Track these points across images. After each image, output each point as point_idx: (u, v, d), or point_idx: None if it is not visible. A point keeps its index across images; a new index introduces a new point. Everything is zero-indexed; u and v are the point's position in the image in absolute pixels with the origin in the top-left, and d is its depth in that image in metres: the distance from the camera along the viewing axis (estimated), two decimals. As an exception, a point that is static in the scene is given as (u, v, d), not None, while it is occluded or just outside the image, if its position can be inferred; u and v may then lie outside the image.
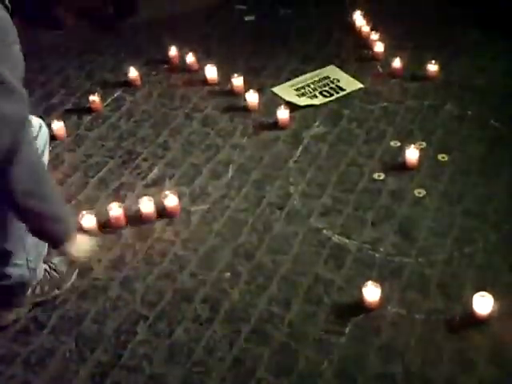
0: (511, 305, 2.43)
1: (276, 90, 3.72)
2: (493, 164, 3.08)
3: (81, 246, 2.21)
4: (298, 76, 3.83)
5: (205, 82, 3.78)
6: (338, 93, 3.65)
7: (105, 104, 3.67)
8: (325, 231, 2.80)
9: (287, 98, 3.62)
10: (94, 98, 3.61)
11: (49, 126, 3.42)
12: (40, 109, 3.61)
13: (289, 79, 3.81)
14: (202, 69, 3.83)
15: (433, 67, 3.68)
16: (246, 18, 4.48)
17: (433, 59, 3.69)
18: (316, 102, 3.59)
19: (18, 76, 1.82)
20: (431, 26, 4.20)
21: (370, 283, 2.45)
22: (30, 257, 2.30)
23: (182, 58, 3.96)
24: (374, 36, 3.99)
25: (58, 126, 3.41)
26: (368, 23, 4.14)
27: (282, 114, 3.40)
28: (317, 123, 3.43)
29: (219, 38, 4.26)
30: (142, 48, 4.16)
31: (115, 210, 2.87)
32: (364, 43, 4.04)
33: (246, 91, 3.59)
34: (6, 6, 1.79)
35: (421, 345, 2.32)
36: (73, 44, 4.15)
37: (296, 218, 2.88)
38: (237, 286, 2.58)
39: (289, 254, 2.71)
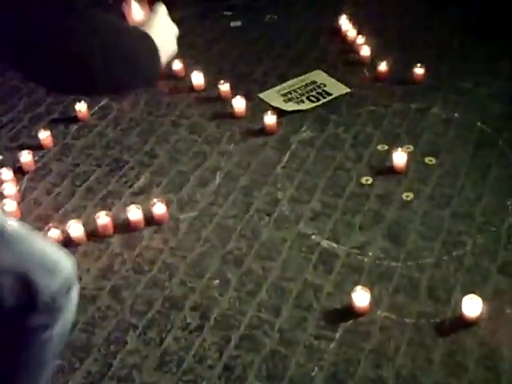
0: (500, 307, 2.44)
1: (263, 95, 3.72)
2: (480, 166, 3.09)
3: None
4: (284, 81, 3.83)
5: (191, 88, 3.78)
6: (324, 97, 3.66)
7: (91, 112, 3.66)
8: (313, 236, 2.80)
9: (274, 104, 3.62)
10: (81, 107, 3.60)
11: (35, 135, 3.43)
12: (26, 118, 3.60)
13: (275, 85, 3.80)
14: (188, 75, 3.82)
15: (419, 70, 3.68)
16: (232, 24, 4.48)
17: (419, 62, 3.69)
18: (303, 107, 3.59)
19: None
20: (417, 30, 4.21)
21: (359, 288, 2.45)
22: None
23: (168, 64, 3.94)
24: (360, 40, 4.00)
25: (45, 135, 3.40)
26: (354, 27, 4.14)
27: (269, 119, 3.40)
28: (304, 128, 3.43)
29: (205, 45, 4.26)
30: (128, 55, 4.14)
31: (103, 219, 2.86)
32: (350, 47, 4.04)
33: (232, 97, 3.59)
34: None
35: (411, 349, 2.32)
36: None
37: (284, 223, 2.88)
38: (226, 293, 2.58)
39: (278, 260, 2.70)
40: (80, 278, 2.64)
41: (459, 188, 2.98)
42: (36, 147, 3.39)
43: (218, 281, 2.64)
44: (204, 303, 2.55)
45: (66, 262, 1.72)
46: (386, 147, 3.24)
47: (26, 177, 3.23)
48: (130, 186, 3.13)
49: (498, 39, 3.99)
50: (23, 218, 2.92)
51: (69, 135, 3.50)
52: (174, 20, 1.66)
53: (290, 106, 3.59)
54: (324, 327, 2.42)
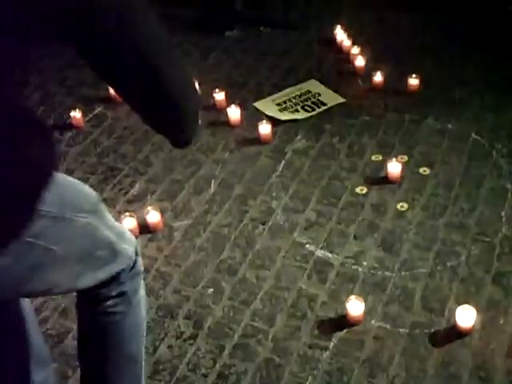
0: (494, 317, 2.44)
1: (258, 104, 3.72)
2: (474, 177, 3.10)
3: None
4: (279, 91, 3.84)
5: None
6: (319, 107, 3.66)
7: (86, 120, 3.65)
8: (308, 246, 2.80)
9: (269, 113, 3.62)
10: (75, 114, 3.60)
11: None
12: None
13: (270, 94, 3.81)
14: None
15: (413, 81, 3.70)
16: (227, 34, 4.49)
17: (413, 73, 3.71)
18: (298, 116, 3.59)
19: None
20: (411, 41, 4.24)
21: (353, 297, 2.45)
22: None
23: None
24: (355, 50, 4.01)
25: (39, 142, 3.38)
26: (349, 38, 4.16)
27: (264, 128, 3.40)
28: (299, 138, 3.44)
29: (201, 54, 4.26)
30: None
31: (97, 227, 2.85)
32: (345, 58, 4.06)
33: (227, 106, 3.59)
34: None
35: (405, 359, 2.32)
36: (53, 59, 4.13)
37: (279, 232, 2.88)
38: (220, 302, 2.57)
39: (272, 268, 2.70)
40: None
41: (453, 198, 2.99)
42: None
43: (212, 289, 2.63)
44: (198, 312, 2.54)
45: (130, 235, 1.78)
46: (381, 157, 3.25)
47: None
48: (125, 194, 3.13)
49: (491, 50, 4.02)
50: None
51: (63, 142, 3.50)
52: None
53: (285, 116, 3.60)
54: (318, 336, 2.42)
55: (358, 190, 3.07)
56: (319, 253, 2.76)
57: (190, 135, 1.58)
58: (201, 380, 2.29)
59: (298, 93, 3.80)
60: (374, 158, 3.26)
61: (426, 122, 3.49)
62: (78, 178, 3.19)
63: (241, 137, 3.47)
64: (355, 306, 2.44)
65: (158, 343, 2.42)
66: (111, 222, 1.68)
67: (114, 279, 1.72)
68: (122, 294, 1.76)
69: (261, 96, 3.80)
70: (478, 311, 2.39)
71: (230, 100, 3.66)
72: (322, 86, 3.85)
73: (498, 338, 2.37)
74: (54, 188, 1.42)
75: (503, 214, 2.88)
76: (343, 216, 2.94)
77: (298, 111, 3.64)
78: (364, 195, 3.04)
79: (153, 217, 2.90)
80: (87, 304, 1.79)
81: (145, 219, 2.90)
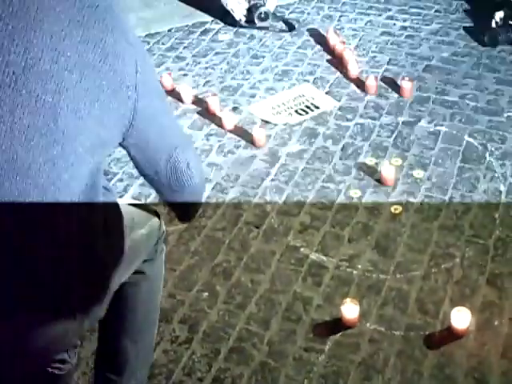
0: (489, 319, 2.45)
1: (251, 108, 3.73)
2: (467, 179, 3.11)
3: None
4: (273, 94, 3.84)
5: (180, 101, 3.78)
6: (312, 110, 3.67)
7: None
8: (302, 249, 2.80)
9: (263, 117, 3.63)
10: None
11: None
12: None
13: (264, 98, 3.82)
14: (176, 88, 3.83)
15: (406, 84, 3.70)
16: (220, 37, 4.49)
17: (406, 76, 3.72)
18: (291, 120, 3.60)
19: None
20: (404, 43, 4.25)
21: (348, 300, 2.46)
22: None
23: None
24: (348, 53, 4.02)
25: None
26: (341, 41, 4.16)
27: (258, 132, 3.40)
28: (293, 141, 3.44)
29: (194, 57, 4.26)
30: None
31: (91, 231, 2.84)
32: (338, 61, 4.06)
33: (221, 110, 3.59)
34: None
35: (400, 361, 2.32)
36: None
37: (273, 236, 2.88)
38: (215, 306, 2.57)
39: (267, 272, 2.70)
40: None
41: (447, 201, 2.99)
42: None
43: (206, 293, 2.63)
44: (193, 316, 2.54)
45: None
46: (375, 160, 3.25)
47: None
48: (119, 198, 3.11)
49: (483, 52, 4.04)
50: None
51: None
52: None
53: (279, 119, 3.60)
54: (313, 339, 2.42)
55: (351, 193, 3.08)
56: (314, 256, 2.76)
57: (197, 212, 1.77)
58: (196, 384, 2.29)
59: (292, 96, 3.81)
60: (367, 161, 3.27)
61: (419, 124, 3.50)
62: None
63: (234, 141, 3.47)
64: (350, 309, 2.44)
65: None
66: (138, 217, 1.87)
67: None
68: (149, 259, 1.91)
69: (254, 100, 3.80)
70: (472, 313, 2.39)
71: (223, 104, 3.66)
72: (316, 90, 3.85)
73: (492, 339, 2.37)
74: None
75: (497, 215, 2.89)
76: (337, 219, 2.94)
77: (291, 115, 3.64)
78: (358, 198, 3.05)
79: (147, 221, 2.89)
80: None
81: (139, 224, 2.89)
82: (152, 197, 3.12)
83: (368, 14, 4.59)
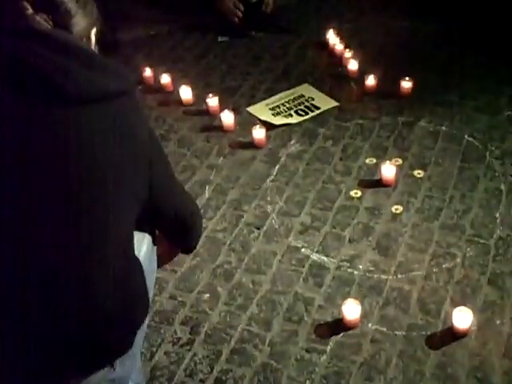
0: (490, 318, 2.44)
1: (251, 109, 3.73)
2: (468, 179, 3.11)
3: None
4: (272, 95, 3.84)
5: (180, 102, 3.78)
6: (312, 111, 3.67)
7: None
8: (303, 250, 2.80)
9: (262, 118, 3.63)
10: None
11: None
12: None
13: (264, 98, 3.81)
14: (176, 89, 3.83)
15: (406, 84, 3.70)
16: (220, 39, 4.49)
17: (406, 76, 3.72)
18: (291, 120, 3.60)
19: None
20: (404, 44, 4.25)
21: (349, 301, 2.45)
22: None
23: (156, 78, 3.96)
24: (348, 54, 4.02)
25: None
26: (341, 41, 4.16)
27: (258, 133, 3.40)
28: (293, 142, 3.44)
29: (194, 59, 4.27)
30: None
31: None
32: (337, 61, 4.06)
33: (221, 111, 3.59)
34: None
35: (402, 361, 2.32)
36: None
37: (274, 237, 2.87)
38: (216, 307, 2.57)
39: (268, 273, 2.70)
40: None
41: (448, 200, 2.99)
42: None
43: (208, 295, 2.63)
44: (194, 317, 2.54)
45: None
46: (375, 160, 3.25)
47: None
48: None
49: (483, 53, 4.03)
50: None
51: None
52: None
53: (279, 120, 3.60)
54: (315, 340, 2.42)
55: (352, 193, 3.07)
56: (315, 256, 2.76)
57: (197, 244, 2.03)
58: (198, 386, 2.29)
59: (292, 97, 3.81)
60: (367, 161, 3.27)
61: (419, 124, 3.50)
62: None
63: (234, 142, 3.47)
64: (351, 310, 2.44)
65: (154, 349, 2.41)
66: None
67: None
68: None
69: (254, 101, 3.80)
70: (474, 313, 2.39)
71: (223, 105, 3.66)
72: (316, 90, 3.85)
73: (494, 338, 2.37)
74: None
75: (498, 215, 2.89)
76: (338, 219, 2.94)
77: (291, 115, 3.64)
78: (358, 198, 3.04)
79: (148, 223, 2.89)
80: None
81: (140, 225, 2.89)
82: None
83: (368, 14, 4.59)
